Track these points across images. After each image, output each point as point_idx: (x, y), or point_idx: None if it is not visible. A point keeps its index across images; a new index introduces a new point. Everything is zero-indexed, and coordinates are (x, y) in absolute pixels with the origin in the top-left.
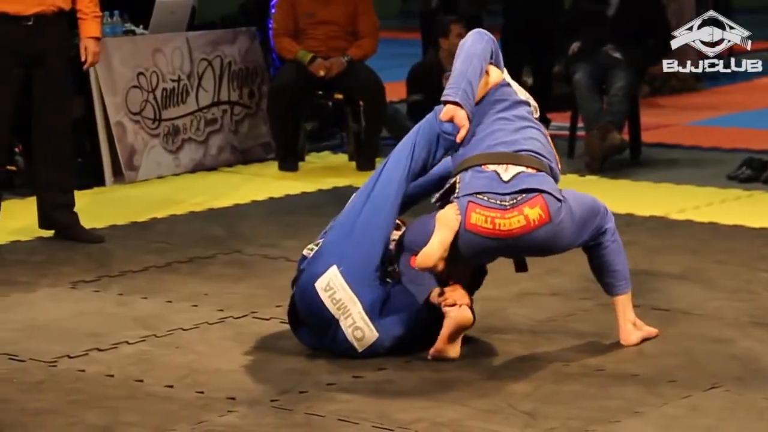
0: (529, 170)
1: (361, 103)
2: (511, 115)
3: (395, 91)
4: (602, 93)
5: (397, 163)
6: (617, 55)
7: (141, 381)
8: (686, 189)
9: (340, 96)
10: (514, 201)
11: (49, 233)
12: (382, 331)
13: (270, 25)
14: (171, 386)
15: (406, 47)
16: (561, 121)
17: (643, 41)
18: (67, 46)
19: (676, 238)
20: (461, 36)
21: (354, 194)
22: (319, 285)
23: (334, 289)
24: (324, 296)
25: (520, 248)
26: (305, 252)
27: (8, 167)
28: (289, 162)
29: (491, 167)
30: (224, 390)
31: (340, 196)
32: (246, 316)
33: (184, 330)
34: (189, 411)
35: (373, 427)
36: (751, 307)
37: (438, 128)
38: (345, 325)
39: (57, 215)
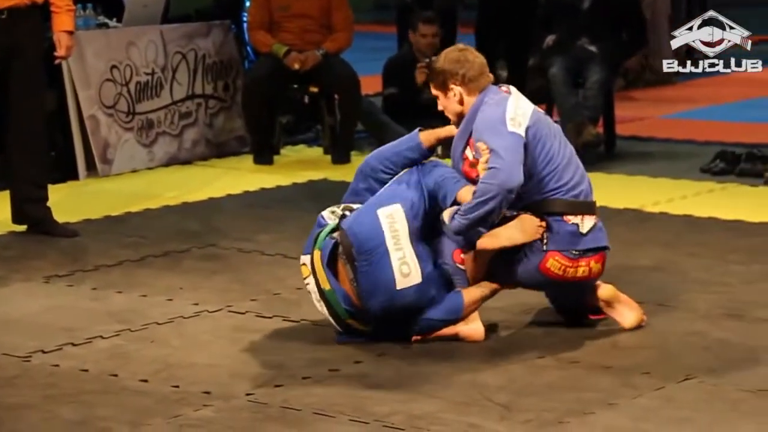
0: (598, 221)
1: (336, 96)
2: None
3: (370, 84)
4: (578, 86)
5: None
6: (593, 48)
7: (116, 375)
8: (660, 182)
9: (315, 89)
10: (585, 253)
11: (22, 228)
12: (424, 281)
13: (244, 19)
14: (146, 380)
15: (381, 41)
16: None
17: (617, 34)
18: (41, 39)
19: (651, 230)
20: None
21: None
22: (383, 212)
23: (396, 220)
24: (384, 222)
25: (566, 288)
26: (325, 213)
27: None
28: (264, 155)
29: (572, 219)
30: (199, 384)
31: (315, 189)
32: (221, 309)
33: (159, 324)
34: (164, 405)
35: (350, 420)
36: (724, 299)
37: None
38: (395, 257)
39: (30, 209)
